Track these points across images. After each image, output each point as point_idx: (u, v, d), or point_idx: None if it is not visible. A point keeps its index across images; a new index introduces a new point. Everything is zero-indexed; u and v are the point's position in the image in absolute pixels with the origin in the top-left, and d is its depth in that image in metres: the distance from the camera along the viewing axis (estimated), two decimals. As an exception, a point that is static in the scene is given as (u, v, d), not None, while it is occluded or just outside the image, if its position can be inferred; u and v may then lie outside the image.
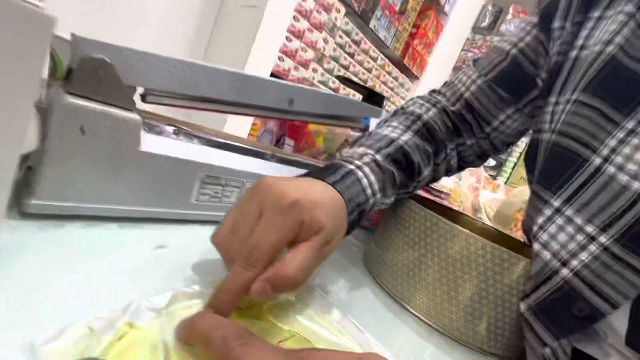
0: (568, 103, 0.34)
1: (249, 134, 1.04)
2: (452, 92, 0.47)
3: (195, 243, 0.34)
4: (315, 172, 0.33)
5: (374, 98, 0.58)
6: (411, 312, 0.37)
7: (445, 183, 0.80)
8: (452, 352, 0.34)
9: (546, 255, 0.31)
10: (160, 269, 0.28)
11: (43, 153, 0.27)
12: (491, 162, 2.34)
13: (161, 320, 0.21)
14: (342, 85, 1.64)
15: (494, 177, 2.27)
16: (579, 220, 0.30)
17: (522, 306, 0.33)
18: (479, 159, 0.49)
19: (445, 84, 0.49)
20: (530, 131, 0.42)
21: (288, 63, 1.35)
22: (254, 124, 1.05)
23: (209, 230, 0.28)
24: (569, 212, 0.30)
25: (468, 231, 0.36)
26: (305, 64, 1.43)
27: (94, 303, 0.22)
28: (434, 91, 0.50)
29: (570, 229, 0.30)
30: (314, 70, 1.51)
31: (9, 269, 0.22)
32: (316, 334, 0.27)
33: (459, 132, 0.46)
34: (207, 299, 0.25)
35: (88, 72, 0.27)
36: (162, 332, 0.21)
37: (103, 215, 0.31)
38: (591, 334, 0.30)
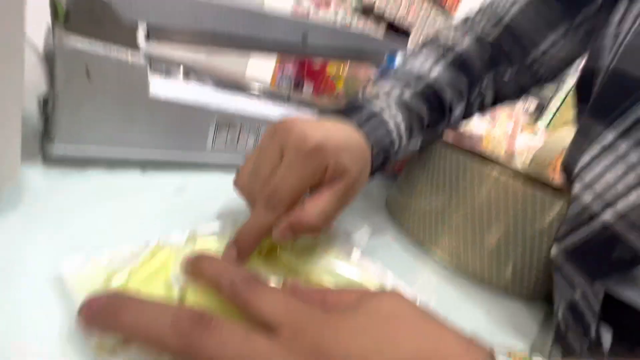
0: (636, 22, 0.28)
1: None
2: (489, 17, 0.41)
3: (216, 188, 0.34)
4: (338, 112, 0.31)
5: (398, 33, 0.52)
6: (434, 256, 0.37)
7: (478, 126, 0.74)
8: (475, 293, 0.34)
9: (588, 197, 0.28)
10: (180, 210, 0.29)
11: (55, 99, 0.27)
12: (531, 105, 2.16)
13: (178, 257, 0.22)
14: (365, 22, 1.51)
15: (534, 121, 2.10)
16: (634, 157, 0.26)
17: (555, 250, 0.31)
18: (517, 94, 0.44)
19: (479, 10, 0.43)
20: (583, 61, 0.37)
21: (307, 3, 1.25)
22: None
23: (230, 176, 0.28)
24: (623, 146, 0.27)
25: (500, 174, 0.33)
26: (327, 3, 1.32)
27: (116, 241, 0.23)
28: (467, 19, 0.44)
29: (620, 167, 0.26)
30: (336, 11, 1.40)
31: (35, 210, 0.23)
32: (336, 274, 0.27)
33: (496, 64, 0.41)
34: (225, 239, 0.25)
35: (85, 13, 0.26)
36: (178, 269, 0.21)
37: (122, 159, 0.32)
38: (629, 278, 0.28)
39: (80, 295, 0.17)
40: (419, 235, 0.38)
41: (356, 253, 0.29)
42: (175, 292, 0.19)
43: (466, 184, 0.35)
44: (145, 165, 0.33)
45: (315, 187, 0.25)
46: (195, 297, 0.19)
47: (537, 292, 0.35)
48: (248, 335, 0.15)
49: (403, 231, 0.40)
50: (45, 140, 0.28)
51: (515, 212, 0.33)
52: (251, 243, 0.24)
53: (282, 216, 0.24)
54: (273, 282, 0.22)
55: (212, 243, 0.25)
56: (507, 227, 0.33)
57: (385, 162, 0.32)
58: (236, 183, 0.27)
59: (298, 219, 0.23)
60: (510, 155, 0.82)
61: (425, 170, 0.39)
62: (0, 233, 0.21)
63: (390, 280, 0.28)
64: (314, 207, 0.24)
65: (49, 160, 0.29)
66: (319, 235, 0.25)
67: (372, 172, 0.30)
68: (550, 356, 0.29)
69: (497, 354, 0.15)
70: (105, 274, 0.19)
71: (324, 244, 0.29)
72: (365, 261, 0.29)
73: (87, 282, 0.18)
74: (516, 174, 0.33)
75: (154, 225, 0.26)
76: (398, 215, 0.42)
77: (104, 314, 0.16)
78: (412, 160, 0.43)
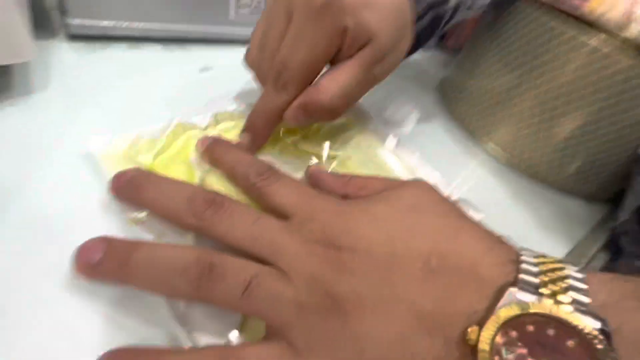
0: None
1: None
2: None
3: (242, 65, 0.31)
4: None
5: None
6: (486, 148, 0.32)
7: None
8: (524, 190, 0.30)
9: None
10: (204, 89, 0.27)
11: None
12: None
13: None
14: None
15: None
16: None
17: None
18: None
19: None
20: None
21: None
22: None
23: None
24: None
25: (602, 44, 0.25)
26: None
27: (141, 118, 0.23)
28: None
29: None
30: None
31: (61, 86, 0.24)
32: (364, 162, 0.25)
33: None
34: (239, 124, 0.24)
35: None
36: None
37: (143, 36, 0.29)
38: None
39: (109, 171, 0.18)
40: (472, 124, 0.33)
41: (391, 141, 0.26)
42: (196, 175, 0.19)
43: (549, 57, 0.27)
44: (168, 42, 0.31)
45: (335, 60, 0.20)
46: (215, 181, 0.19)
47: (599, 193, 0.31)
48: (258, 218, 0.15)
49: (455, 119, 0.35)
50: (62, 16, 0.26)
51: (610, 96, 0.26)
52: (263, 129, 0.21)
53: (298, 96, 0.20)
54: (294, 169, 0.21)
55: (233, 125, 0.24)
56: (591, 115, 0.27)
57: (435, 26, 0.25)
58: (246, 58, 0.23)
59: (311, 98, 0.19)
60: (627, 20, 0.63)
61: (496, 39, 0.31)
62: (30, 111, 0.21)
63: (426, 173, 0.25)
64: (331, 83, 0.19)
65: (70, 37, 0.27)
66: (336, 118, 0.21)
67: (418, 40, 0.24)
68: (590, 262, 0.26)
69: (523, 258, 0.13)
70: (130, 152, 0.19)
71: (355, 129, 0.27)
72: (402, 151, 0.26)
73: (114, 159, 0.19)
74: (627, 44, 0.25)
75: (178, 104, 0.25)
76: (452, 99, 0.36)
77: (128, 189, 0.16)
78: (480, 28, 0.34)
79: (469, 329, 0.11)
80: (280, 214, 0.16)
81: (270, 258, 0.14)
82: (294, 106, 0.20)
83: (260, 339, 0.13)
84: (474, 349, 0.11)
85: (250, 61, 0.23)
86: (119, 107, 0.24)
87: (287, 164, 0.22)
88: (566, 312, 0.11)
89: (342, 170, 0.23)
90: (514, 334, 0.11)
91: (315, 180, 0.20)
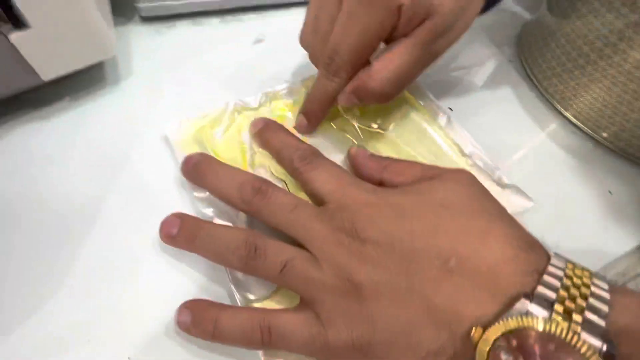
0: None
1: None
2: None
3: (295, 32, 0.31)
4: None
5: None
6: (567, 117, 0.28)
7: None
8: (604, 168, 0.27)
9: None
10: (258, 63, 0.29)
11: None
12: None
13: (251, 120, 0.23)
14: None
15: None
16: None
17: None
18: None
19: None
20: None
21: None
22: None
23: (301, 14, 0.24)
24: None
25: None
26: None
27: (207, 96, 0.26)
28: None
29: None
30: None
31: (142, 71, 0.27)
32: (411, 138, 0.24)
33: None
34: (298, 95, 0.25)
35: None
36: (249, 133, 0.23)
37: (203, 9, 0.31)
38: None
39: (180, 154, 0.21)
40: (551, 85, 0.29)
41: (442, 118, 0.25)
42: (247, 155, 0.22)
43: None
44: (225, 14, 0.32)
45: (391, 39, 0.19)
46: (264, 161, 0.22)
47: None
48: (296, 206, 0.17)
49: (532, 78, 0.31)
50: (133, 2, 0.29)
51: None
52: (317, 112, 0.22)
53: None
54: (345, 146, 0.23)
55: (282, 104, 0.25)
56: None
57: None
58: (300, 40, 0.23)
59: (362, 83, 0.20)
60: None
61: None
62: (122, 98, 0.25)
63: (477, 154, 0.23)
64: (383, 67, 0.19)
65: (142, 19, 0.30)
66: (389, 101, 0.21)
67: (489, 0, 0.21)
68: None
69: (550, 269, 0.12)
70: (197, 135, 0.23)
71: (407, 103, 0.26)
72: (455, 128, 0.25)
73: (184, 143, 0.22)
74: None
75: (234, 82, 0.27)
76: (533, 52, 0.31)
77: (194, 174, 0.20)
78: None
79: (474, 328, 0.12)
80: (318, 199, 0.18)
81: (304, 242, 0.16)
82: (346, 91, 0.20)
83: (293, 306, 0.17)
84: (475, 347, 0.12)
85: (305, 43, 0.23)
86: (189, 87, 0.27)
87: (339, 141, 0.24)
88: (572, 331, 0.11)
89: (389, 148, 0.24)
90: (514, 342, 0.11)
91: (354, 164, 0.21)
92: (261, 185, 0.17)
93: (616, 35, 0.24)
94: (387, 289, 0.14)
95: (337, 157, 0.22)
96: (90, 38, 0.21)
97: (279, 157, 0.21)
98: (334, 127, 0.24)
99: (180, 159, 0.21)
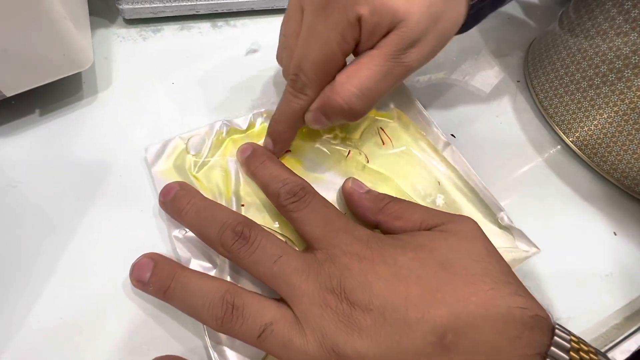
0: None
1: None
2: None
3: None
4: None
5: None
6: (568, 140, 0.27)
7: None
8: (604, 198, 0.26)
9: None
10: (251, 79, 0.27)
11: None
12: None
13: (236, 146, 0.22)
14: None
15: None
16: None
17: None
18: None
19: None
20: None
21: None
22: None
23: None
24: None
25: None
26: None
27: (190, 117, 0.24)
28: None
29: None
30: None
31: (123, 80, 0.25)
32: (400, 162, 0.23)
33: None
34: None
35: None
36: (233, 159, 0.21)
37: (192, 13, 0.29)
38: None
39: (159, 182, 0.20)
40: (552, 107, 0.27)
41: (439, 141, 0.23)
42: (232, 185, 0.20)
43: None
44: (216, 18, 0.30)
45: (356, 50, 0.18)
46: (249, 192, 0.20)
47: None
48: (280, 256, 0.15)
49: (534, 99, 0.29)
50: (114, 2, 0.27)
51: None
52: (284, 134, 0.20)
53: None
54: (329, 166, 0.21)
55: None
56: None
57: None
58: (277, 57, 0.22)
59: (327, 99, 0.18)
60: None
61: None
62: (99, 109, 0.23)
63: (474, 181, 0.22)
64: (346, 80, 0.17)
65: (126, 22, 0.28)
66: (358, 119, 0.19)
67: (474, 13, 0.19)
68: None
69: (552, 350, 0.11)
70: (178, 162, 0.21)
71: (396, 121, 0.24)
72: (456, 158, 0.23)
73: (164, 173, 0.20)
74: None
75: (224, 97, 0.25)
76: (537, 73, 0.29)
77: (171, 208, 0.18)
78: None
79: None
80: (307, 242, 0.16)
81: (287, 300, 0.15)
82: (312, 109, 0.19)
83: None
84: None
85: (279, 60, 0.22)
86: (174, 100, 0.25)
87: (321, 161, 0.22)
88: None
89: (376, 174, 0.22)
90: None
91: (349, 201, 0.19)
92: (243, 229, 0.16)
93: (622, 61, 0.23)
94: None
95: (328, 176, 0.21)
96: (60, 51, 0.19)
97: (266, 191, 0.19)
98: (316, 148, 0.23)
99: (159, 188, 0.19)
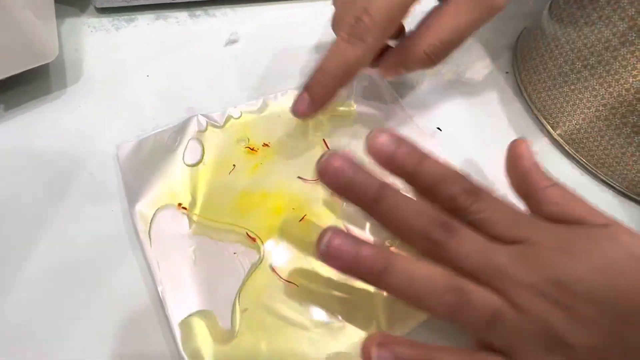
0: None
1: None
2: None
3: (272, 33, 0.28)
4: None
5: None
6: (552, 136, 0.26)
7: None
8: (589, 193, 0.25)
9: None
10: (230, 71, 0.26)
11: None
12: None
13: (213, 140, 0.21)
14: None
15: None
16: None
17: None
18: None
19: None
20: None
21: None
22: None
23: (282, 10, 0.22)
24: None
25: None
26: None
27: (166, 111, 0.23)
28: None
29: None
30: None
31: (87, 75, 0.24)
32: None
33: None
34: (266, 118, 0.22)
35: None
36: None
37: (168, 2, 0.27)
38: None
39: (128, 178, 0.19)
40: (541, 99, 0.27)
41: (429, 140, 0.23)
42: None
43: None
44: (194, 6, 0.28)
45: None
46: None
47: None
48: (486, 247, 0.14)
49: (522, 92, 0.28)
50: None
51: None
52: (327, 88, 0.18)
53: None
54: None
55: (255, 120, 0.22)
56: None
57: None
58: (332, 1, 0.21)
59: (408, 51, 0.18)
60: None
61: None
62: (68, 104, 0.22)
63: None
64: (429, 33, 0.18)
65: (99, 11, 0.27)
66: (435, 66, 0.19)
67: None
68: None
69: None
70: (150, 160, 0.20)
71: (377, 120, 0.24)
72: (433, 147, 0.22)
73: (135, 168, 0.20)
74: None
75: (201, 91, 0.24)
76: (525, 65, 0.29)
77: (354, 194, 0.15)
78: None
79: None
80: (494, 238, 0.15)
81: (502, 290, 0.14)
82: (389, 60, 0.19)
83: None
84: None
85: (334, 1, 0.20)
86: (148, 93, 0.24)
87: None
88: None
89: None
90: None
91: (517, 163, 0.17)
92: (447, 221, 0.15)
93: (610, 52, 0.22)
94: (599, 353, 0.13)
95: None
96: (20, 42, 0.18)
97: (434, 193, 0.15)
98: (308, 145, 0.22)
99: (128, 182, 0.19)
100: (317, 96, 0.18)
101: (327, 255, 0.14)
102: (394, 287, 0.14)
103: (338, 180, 0.15)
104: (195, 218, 0.19)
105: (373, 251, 0.14)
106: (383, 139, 0.15)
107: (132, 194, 0.19)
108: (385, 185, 0.15)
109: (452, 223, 0.15)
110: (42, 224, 0.18)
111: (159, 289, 0.16)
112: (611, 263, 0.14)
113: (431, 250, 0.15)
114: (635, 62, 0.22)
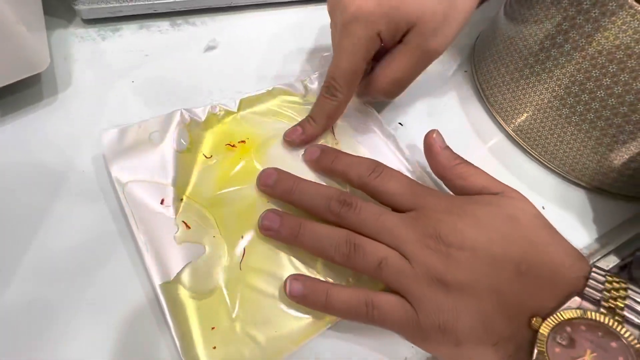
0: None
1: None
2: None
3: (249, 39, 0.30)
4: None
5: None
6: (508, 132, 0.29)
7: None
8: (544, 177, 0.28)
9: None
10: (209, 75, 0.28)
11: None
12: None
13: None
14: None
15: None
16: None
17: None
18: None
19: None
20: None
21: None
22: None
23: (257, 18, 0.25)
24: None
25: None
26: None
27: (151, 114, 0.25)
28: None
29: None
30: None
31: (76, 82, 0.26)
32: (352, 144, 0.25)
33: None
34: (244, 117, 0.25)
35: None
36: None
37: (150, 12, 0.29)
38: None
39: (115, 169, 0.21)
40: (493, 95, 0.29)
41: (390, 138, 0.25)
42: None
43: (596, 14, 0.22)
44: (175, 16, 0.31)
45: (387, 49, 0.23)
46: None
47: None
48: (380, 214, 0.19)
49: (478, 89, 0.31)
50: (71, 2, 0.27)
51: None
52: (317, 128, 0.24)
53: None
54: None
55: (233, 119, 0.25)
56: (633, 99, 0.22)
57: None
58: None
59: (369, 87, 0.24)
60: None
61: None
62: (51, 110, 0.24)
63: (417, 170, 0.24)
64: (382, 74, 0.23)
65: (85, 22, 0.29)
66: (395, 97, 0.25)
67: None
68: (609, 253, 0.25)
69: (593, 275, 0.15)
70: (133, 150, 0.22)
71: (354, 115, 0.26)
72: (395, 142, 0.25)
73: (120, 157, 0.21)
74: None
75: (183, 94, 0.26)
76: (480, 62, 0.31)
77: (278, 191, 0.21)
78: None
79: (534, 318, 0.15)
80: (395, 207, 0.19)
81: (393, 245, 0.18)
82: (360, 92, 0.25)
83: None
84: (535, 332, 0.15)
85: None
86: (134, 98, 0.26)
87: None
88: (615, 322, 0.14)
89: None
90: (568, 329, 0.14)
91: (428, 151, 0.22)
92: (345, 198, 0.19)
93: (557, 49, 0.24)
94: (469, 287, 0.16)
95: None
96: (14, 55, 0.20)
97: (348, 177, 0.21)
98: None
99: (115, 173, 0.20)
100: (307, 133, 0.24)
101: (262, 228, 0.20)
102: (307, 244, 0.19)
103: (267, 181, 0.21)
104: (184, 199, 0.21)
105: (291, 219, 0.20)
106: (311, 150, 0.23)
107: (119, 175, 0.20)
108: (298, 180, 0.21)
109: (351, 198, 0.19)
110: (35, 223, 0.20)
111: (143, 248, 0.18)
112: (486, 219, 0.17)
113: (337, 222, 0.19)
114: (573, 52, 0.24)
